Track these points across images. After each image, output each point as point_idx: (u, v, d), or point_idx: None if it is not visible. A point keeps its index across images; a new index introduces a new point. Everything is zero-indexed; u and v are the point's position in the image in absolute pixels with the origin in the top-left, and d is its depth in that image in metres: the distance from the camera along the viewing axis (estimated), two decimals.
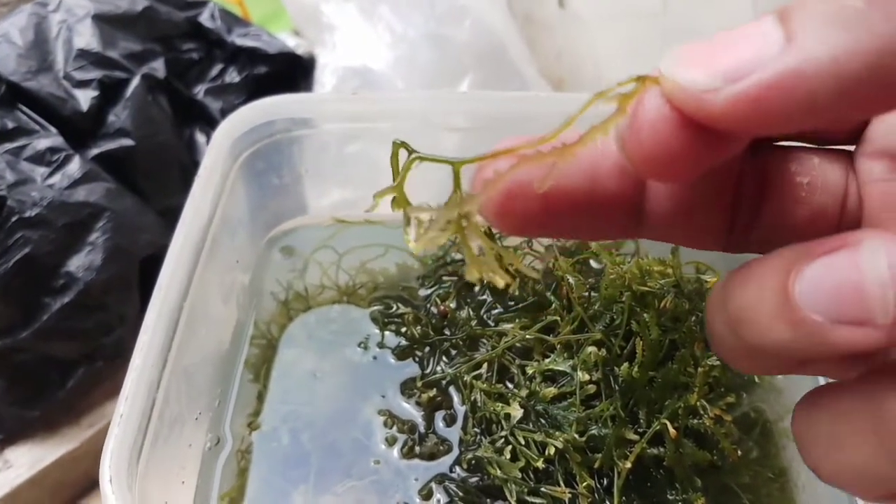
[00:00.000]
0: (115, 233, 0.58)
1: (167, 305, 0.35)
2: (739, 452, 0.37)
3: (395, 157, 0.22)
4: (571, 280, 0.39)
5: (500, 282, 0.20)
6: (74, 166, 0.58)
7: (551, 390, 0.37)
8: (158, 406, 0.32)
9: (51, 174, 0.57)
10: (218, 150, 0.41)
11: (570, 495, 0.35)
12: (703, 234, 0.22)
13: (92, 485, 0.62)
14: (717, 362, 0.37)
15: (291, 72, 0.71)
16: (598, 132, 0.19)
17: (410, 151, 0.22)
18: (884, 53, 0.15)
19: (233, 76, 0.69)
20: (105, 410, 0.62)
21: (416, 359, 0.42)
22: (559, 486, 0.35)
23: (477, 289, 0.44)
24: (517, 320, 0.41)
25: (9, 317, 0.56)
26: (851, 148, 0.22)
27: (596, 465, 0.35)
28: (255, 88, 0.69)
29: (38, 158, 0.57)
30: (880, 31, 0.15)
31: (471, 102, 0.47)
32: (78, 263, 0.56)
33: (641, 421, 0.36)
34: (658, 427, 0.35)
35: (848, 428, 0.18)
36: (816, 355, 0.17)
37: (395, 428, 0.39)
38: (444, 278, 0.45)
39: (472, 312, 0.42)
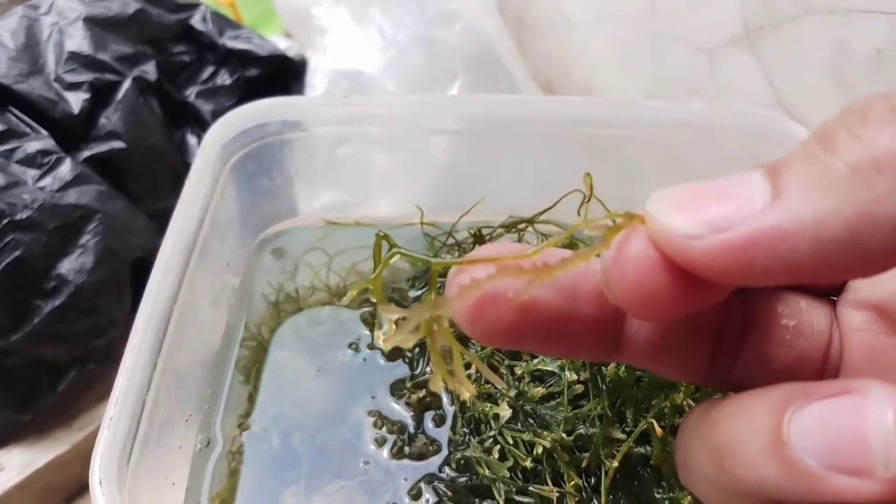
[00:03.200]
0: (107, 235, 0.58)
1: (157, 308, 0.35)
2: None
3: (377, 249, 0.22)
4: None
5: (465, 393, 0.20)
6: (65, 169, 0.58)
7: (539, 390, 0.38)
8: (148, 408, 0.32)
9: (42, 176, 0.57)
10: (208, 152, 0.41)
11: (557, 494, 0.35)
12: (682, 367, 0.22)
13: (82, 488, 0.62)
14: None
15: (283, 74, 0.71)
16: (580, 259, 0.19)
17: (392, 245, 0.22)
18: (861, 221, 0.16)
19: (224, 78, 0.70)
20: (96, 413, 0.62)
21: (406, 360, 0.42)
22: (547, 484, 0.36)
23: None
24: None
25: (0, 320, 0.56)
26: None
27: (584, 464, 0.36)
28: (247, 91, 0.69)
29: (30, 161, 0.57)
30: (859, 199, 0.16)
31: (460, 105, 0.48)
32: (69, 266, 0.56)
33: (628, 420, 0.37)
34: (645, 426, 0.35)
35: None
36: (803, 499, 0.17)
37: (384, 428, 0.39)
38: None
39: None
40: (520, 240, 0.47)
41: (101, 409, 0.62)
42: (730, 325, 0.21)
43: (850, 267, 0.16)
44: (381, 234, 0.21)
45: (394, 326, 0.19)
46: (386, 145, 0.49)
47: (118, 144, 0.62)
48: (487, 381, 0.39)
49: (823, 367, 0.21)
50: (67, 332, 0.57)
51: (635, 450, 0.36)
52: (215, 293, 0.42)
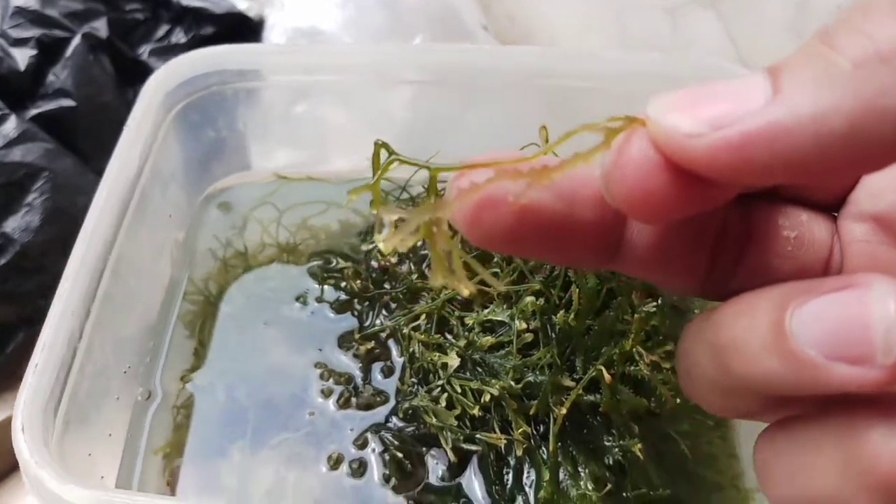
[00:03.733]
0: (54, 193, 0.56)
1: (91, 255, 0.34)
2: (678, 400, 0.37)
3: (376, 157, 0.22)
4: None
5: (465, 291, 0.20)
6: (10, 126, 0.56)
7: (489, 339, 0.37)
8: (80, 357, 0.31)
9: None
10: (150, 100, 0.40)
11: (505, 442, 0.35)
12: (682, 275, 0.22)
13: None
14: (654, 309, 0.37)
15: (239, 32, 0.69)
16: (579, 160, 0.19)
17: (391, 152, 0.22)
18: (864, 115, 0.16)
19: (179, 37, 0.68)
20: None
21: (355, 313, 0.41)
22: (495, 432, 0.35)
23: (420, 244, 0.43)
24: None
25: None
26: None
27: (532, 412, 0.35)
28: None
29: None
30: (863, 93, 0.16)
31: (420, 55, 0.46)
32: (14, 225, 0.55)
33: (578, 368, 0.36)
34: (594, 373, 0.35)
35: (813, 460, 0.18)
36: (803, 392, 0.17)
37: (331, 380, 0.38)
38: None
39: (413, 267, 0.42)
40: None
41: None
42: (730, 235, 0.21)
43: (850, 163, 0.16)
44: (380, 142, 0.21)
45: (393, 228, 0.20)
46: (342, 98, 0.48)
47: (67, 102, 0.60)
48: (437, 333, 0.38)
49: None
50: (14, 291, 0.55)
51: (584, 398, 0.36)
52: (157, 245, 0.41)
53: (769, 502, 0.19)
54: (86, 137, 0.61)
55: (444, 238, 0.19)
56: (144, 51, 0.66)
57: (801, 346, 0.17)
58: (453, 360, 0.36)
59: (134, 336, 0.38)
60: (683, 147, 0.17)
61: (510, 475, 0.35)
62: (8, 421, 0.58)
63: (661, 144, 0.18)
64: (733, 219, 0.21)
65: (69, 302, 0.31)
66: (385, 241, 0.20)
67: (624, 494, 0.35)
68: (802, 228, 0.21)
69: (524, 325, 0.36)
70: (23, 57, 0.59)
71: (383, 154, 0.22)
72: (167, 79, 0.41)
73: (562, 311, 0.36)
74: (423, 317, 0.39)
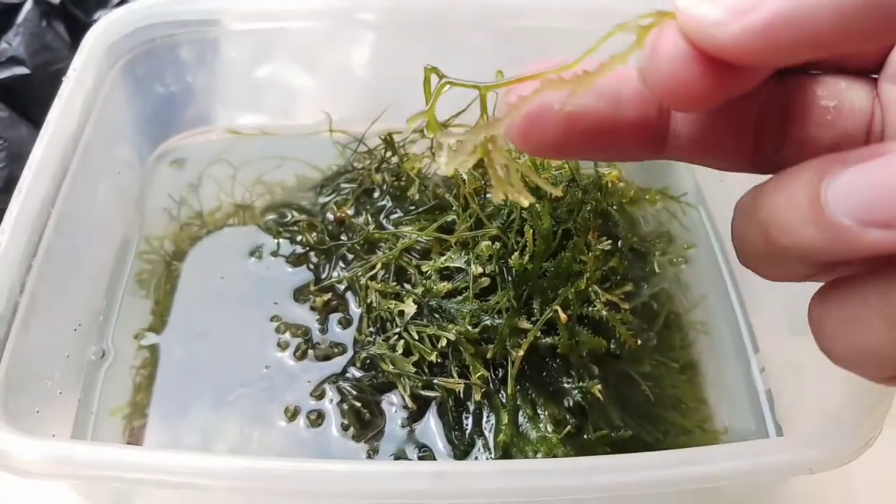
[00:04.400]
0: (10, 162, 0.55)
1: (29, 209, 0.32)
2: (639, 341, 0.37)
3: (427, 83, 0.23)
4: (465, 175, 0.38)
5: (525, 201, 0.21)
6: None
7: (445, 285, 0.36)
8: (22, 312, 0.30)
9: None
10: (90, 52, 0.39)
11: (463, 386, 0.34)
12: (729, 157, 0.23)
13: None
14: (610, 247, 0.36)
15: None
16: (616, 62, 0.19)
17: (441, 77, 0.22)
18: None
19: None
20: None
21: (311, 266, 0.40)
22: (453, 378, 0.34)
23: (377, 195, 0.42)
24: (416, 223, 0.40)
25: None
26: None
27: (489, 356, 0.35)
28: None
29: None
30: None
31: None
32: None
33: (535, 311, 0.35)
34: (551, 314, 0.34)
35: (861, 314, 0.19)
36: (843, 258, 0.18)
37: (287, 333, 0.38)
38: (343, 186, 0.43)
39: (370, 218, 0.41)
40: (433, 145, 0.45)
41: None
42: (770, 112, 0.22)
43: (875, 32, 0.17)
44: (430, 67, 0.22)
45: (451, 151, 0.21)
46: (299, 48, 0.46)
47: (20, 70, 0.59)
48: (395, 283, 0.38)
49: (867, 144, 0.21)
50: None
51: (542, 340, 0.35)
52: (106, 203, 0.40)
53: (828, 357, 0.20)
54: (40, 105, 0.60)
55: (501, 154, 0.20)
56: (100, 16, 0.65)
57: (836, 216, 0.17)
58: (410, 308, 0.36)
59: (84, 294, 0.37)
60: (712, 36, 0.18)
61: (469, 420, 0.35)
62: None
63: (690, 36, 0.18)
64: (772, 96, 0.22)
65: (7, 253, 0.30)
66: (447, 164, 0.21)
67: (585, 436, 0.34)
68: (841, 97, 0.22)
69: (480, 270, 0.36)
70: None
71: (434, 79, 0.22)
72: (109, 30, 0.40)
73: (517, 254, 0.35)
74: (381, 267, 0.38)
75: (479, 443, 0.34)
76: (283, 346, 0.37)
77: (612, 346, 0.36)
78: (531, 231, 0.35)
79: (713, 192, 0.45)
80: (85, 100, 0.37)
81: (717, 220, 0.44)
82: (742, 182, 0.22)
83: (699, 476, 0.26)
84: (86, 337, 0.37)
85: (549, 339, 0.35)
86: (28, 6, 0.60)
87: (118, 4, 0.66)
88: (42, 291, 0.32)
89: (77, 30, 0.64)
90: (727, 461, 0.26)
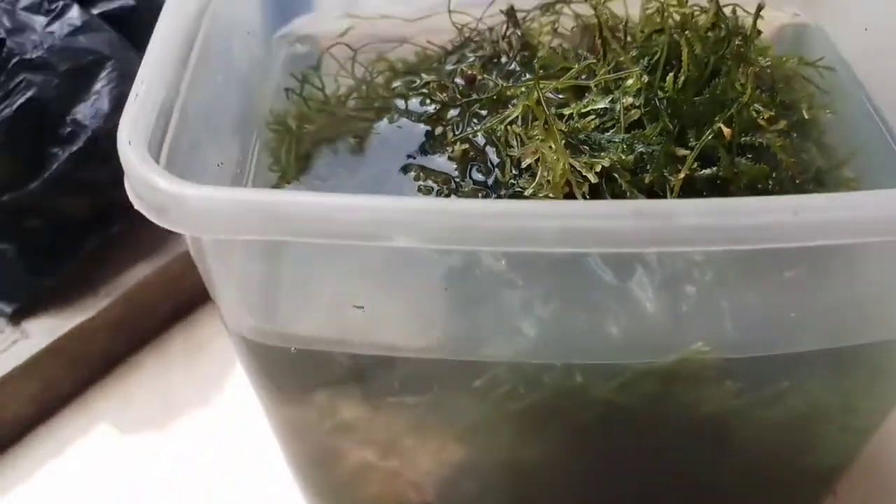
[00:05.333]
0: (121, 82, 0.56)
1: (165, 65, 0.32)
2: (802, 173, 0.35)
3: None
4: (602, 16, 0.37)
5: None
6: (74, 15, 0.56)
7: (593, 120, 0.35)
8: (176, 114, 0.30)
9: (50, 22, 0.55)
10: None
11: None
12: None
13: (108, 364, 0.60)
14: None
15: None
16: None
17: None
18: None
19: None
20: (120, 281, 0.60)
21: (445, 123, 0.39)
22: None
23: (504, 60, 0.42)
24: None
25: (16, 170, 0.54)
26: None
27: (647, 181, 0.33)
28: None
29: (36, 8, 0.55)
30: None
31: None
32: (84, 112, 0.54)
33: (691, 140, 0.34)
34: (710, 137, 0.33)
35: None
36: None
37: (428, 180, 0.37)
38: (468, 55, 0.42)
39: (500, 81, 0.40)
40: (555, 23, 0.44)
41: (124, 277, 0.60)
42: None
43: None
44: None
45: None
46: None
47: (127, 1, 0.60)
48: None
49: None
50: (86, 179, 0.54)
51: (701, 172, 0.33)
52: (238, 78, 0.40)
53: None
54: (145, 35, 0.61)
55: None
56: None
57: None
58: (559, 140, 0.34)
59: (225, 133, 0.36)
60: None
61: None
62: (86, 325, 0.57)
63: None
64: None
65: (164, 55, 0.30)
66: None
67: None
68: None
69: (630, 100, 0.34)
70: None
71: None
72: None
73: (670, 77, 0.34)
74: (521, 111, 0.37)
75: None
76: (425, 192, 0.36)
77: (773, 175, 0.34)
78: (685, 55, 0.34)
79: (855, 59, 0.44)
80: None
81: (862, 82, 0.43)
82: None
83: None
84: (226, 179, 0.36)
85: (707, 171, 0.34)
86: None
87: None
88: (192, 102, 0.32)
89: None
90: None
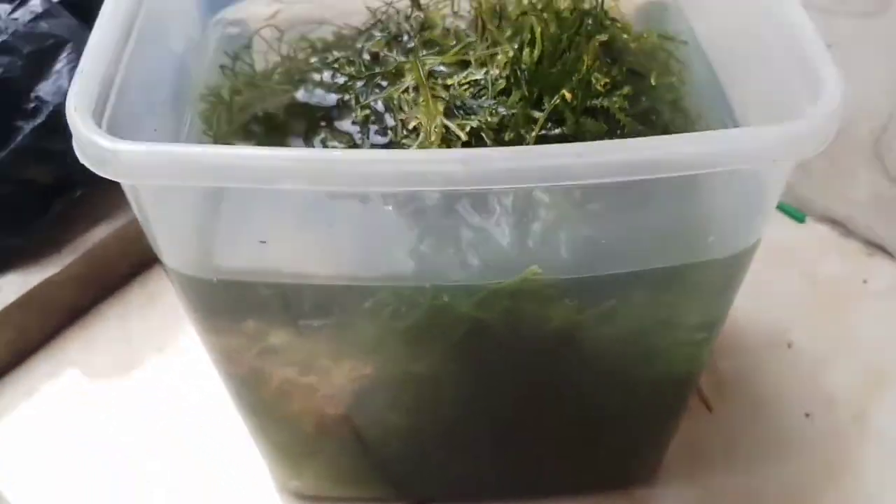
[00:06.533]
0: (79, 62, 0.62)
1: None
2: (639, 127, 0.42)
3: None
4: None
5: None
6: (36, 2, 0.62)
7: (468, 89, 0.42)
8: (115, 90, 0.36)
9: (14, 10, 0.61)
10: None
11: None
12: None
13: (74, 314, 0.67)
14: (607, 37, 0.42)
15: None
16: None
17: None
18: None
19: None
20: (85, 239, 0.66)
21: (352, 93, 0.46)
22: None
23: (405, 38, 0.48)
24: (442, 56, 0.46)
25: None
26: None
27: (507, 138, 0.40)
28: None
29: None
30: None
31: None
32: (46, 89, 0.61)
33: (546, 105, 0.41)
34: (558, 102, 0.40)
35: None
36: None
37: (334, 142, 0.44)
38: (375, 34, 0.49)
39: (400, 55, 0.47)
40: (454, 5, 0.51)
41: (88, 235, 0.66)
42: None
43: None
44: None
45: None
46: None
47: None
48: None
49: None
50: (49, 150, 0.61)
51: (553, 131, 0.41)
52: (173, 58, 0.46)
53: None
54: None
55: None
56: None
57: None
58: (439, 108, 0.42)
59: (160, 107, 0.43)
60: None
61: None
62: (53, 279, 0.64)
63: None
64: None
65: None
66: None
67: None
68: None
69: (497, 72, 0.42)
70: None
71: None
72: None
73: (528, 51, 0.41)
74: (411, 89, 0.44)
75: None
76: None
77: (616, 133, 0.41)
78: (540, 31, 0.41)
79: (707, 37, 0.51)
80: None
81: (711, 59, 0.50)
82: None
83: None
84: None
85: (558, 131, 0.41)
86: None
87: None
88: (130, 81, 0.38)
89: None
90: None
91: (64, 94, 0.60)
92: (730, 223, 0.38)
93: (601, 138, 0.41)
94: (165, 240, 0.39)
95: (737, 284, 0.41)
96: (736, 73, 0.47)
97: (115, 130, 0.34)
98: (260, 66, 0.50)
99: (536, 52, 0.41)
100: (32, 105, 0.60)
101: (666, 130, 0.45)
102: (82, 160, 0.33)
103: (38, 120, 0.60)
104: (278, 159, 0.32)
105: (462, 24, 0.50)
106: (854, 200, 0.70)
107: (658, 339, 0.42)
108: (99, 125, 0.34)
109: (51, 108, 0.60)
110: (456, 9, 0.51)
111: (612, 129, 0.42)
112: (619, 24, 0.49)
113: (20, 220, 0.63)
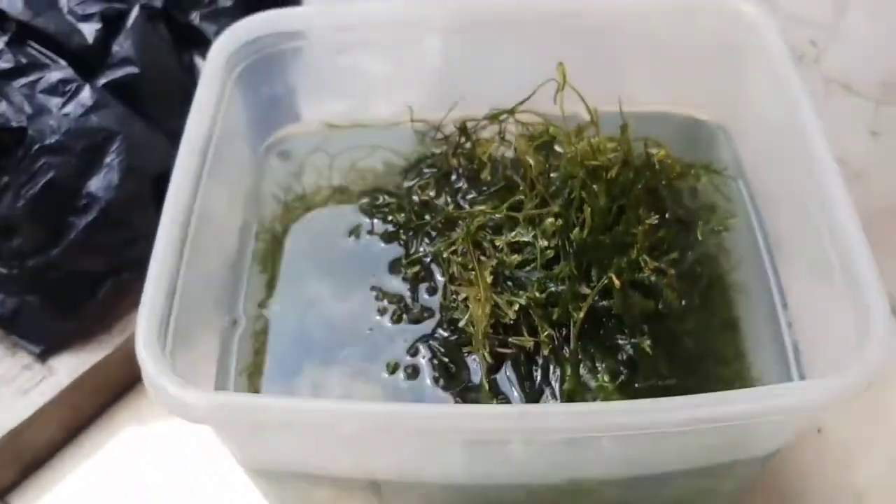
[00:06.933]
0: (129, 154, 0.63)
1: (179, 206, 0.40)
2: (683, 302, 0.43)
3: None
4: (531, 160, 0.45)
5: None
6: (86, 95, 0.62)
7: (516, 258, 0.43)
8: (179, 291, 0.38)
9: (65, 104, 0.62)
10: (214, 63, 0.46)
11: (533, 344, 0.41)
12: None
13: (125, 388, 0.69)
14: (658, 220, 0.42)
15: None
16: None
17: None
18: None
19: (225, 1, 0.73)
20: (133, 318, 0.68)
21: (401, 242, 0.47)
22: (524, 336, 0.41)
23: (454, 178, 0.49)
24: (488, 203, 0.47)
25: (39, 238, 0.62)
26: None
27: (555, 318, 0.41)
28: (246, 9, 0.73)
29: (52, 90, 0.62)
30: None
31: (449, 4, 0.51)
32: (97, 184, 0.62)
33: (594, 278, 0.42)
34: (606, 281, 0.41)
35: None
36: None
37: (385, 301, 0.45)
38: (425, 170, 0.50)
39: (449, 199, 0.48)
40: (501, 131, 0.51)
41: (136, 314, 0.68)
42: None
43: None
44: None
45: None
46: (381, 50, 0.53)
47: (132, 70, 0.67)
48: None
49: None
50: (101, 243, 0.62)
51: (600, 303, 0.42)
52: (230, 195, 0.47)
53: None
54: (151, 101, 0.68)
55: None
56: (195, 16, 0.72)
57: None
58: (487, 279, 0.43)
59: (217, 272, 0.44)
60: None
61: (538, 372, 0.42)
62: (104, 360, 0.66)
63: None
64: None
65: (167, 249, 0.38)
66: None
67: (636, 385, 0.41)
68: None
69: (546, 243, 0.42)
70: (90, 31, 0.66)
71: None
72: (228, 44, 0.47)
73: (577, 229, 0.42)
74: (460, 241, 0.45)
75: (547, 391, 0.41)
76: (382, 312, 0.45)
77: (660, 307, 0.42)
78: (590, 209, 0.41)
79: (751, 165, 0.51)
80: (213, 107, 0.44)
81: (754, 191, 0.50)
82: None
83: (707, 417, 0.32)
84: (221, 309, 0.44)
85: (605, 303, 0.42)
86: (136, 11, 0.68)
87: (208, 5, 0.73)
88: (190, 273, 0.40)
89: (176, 30, 0.71)
90: (734, 404, 0.32)
91: (114, 189, 0.62)
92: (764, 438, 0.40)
93: (648, 315, 0.42)
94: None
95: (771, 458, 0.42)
96: (779, 213, 0.48)
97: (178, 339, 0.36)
98: (310, 189, 0.51)
99: (586, 231, 0.41)
100: (84, 202, 0.61)
101: (710, 284, 0.46)
102: (154, 400, 0.35)
103: (90, 216, 0.61)
104: (343, 413, 0.34)
105: (509, 153, 0.51)
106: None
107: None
108: (163, 346, 0.35)
109: (102, 203, 0.61)
110: (504, 133, 0.51)
111: (656, 298, 0.43)
112: (668, 161, 0.49)
113: (72, 305, 0.65)
